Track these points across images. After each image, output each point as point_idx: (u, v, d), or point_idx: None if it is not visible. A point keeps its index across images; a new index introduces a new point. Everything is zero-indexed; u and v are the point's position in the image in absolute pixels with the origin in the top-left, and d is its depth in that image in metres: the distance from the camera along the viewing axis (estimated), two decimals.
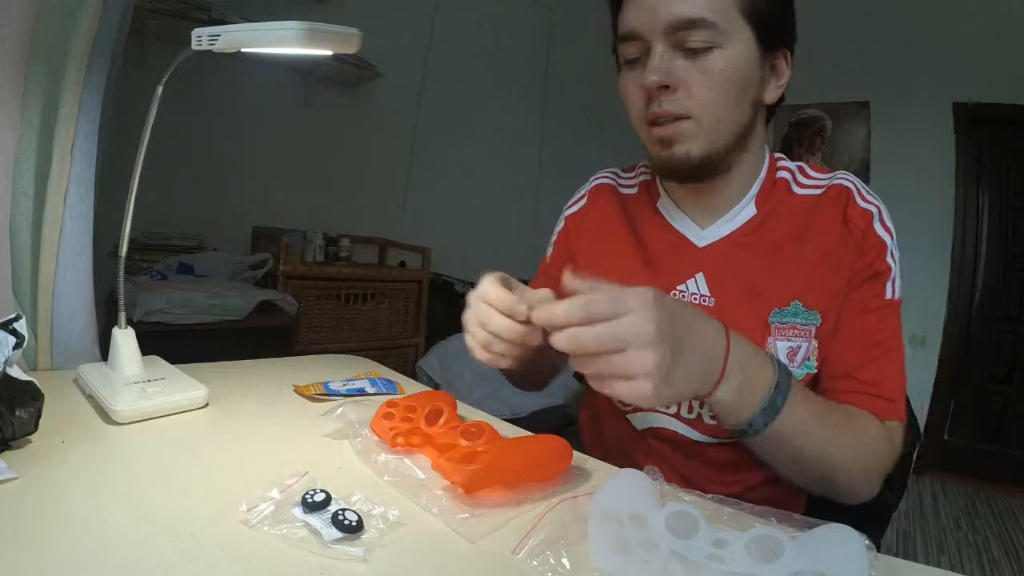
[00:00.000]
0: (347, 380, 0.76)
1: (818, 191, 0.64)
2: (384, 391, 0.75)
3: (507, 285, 0.53)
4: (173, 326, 1.40)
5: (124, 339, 0.64)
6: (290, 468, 0.48)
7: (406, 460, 0.52)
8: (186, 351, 0.77)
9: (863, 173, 2.76)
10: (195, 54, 0.59)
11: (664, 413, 0.65)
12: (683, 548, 0.38)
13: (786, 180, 0.66)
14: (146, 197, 0.66)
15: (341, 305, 2.09)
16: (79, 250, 0.72)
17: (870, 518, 0.68)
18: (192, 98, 1.95)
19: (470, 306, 0.55)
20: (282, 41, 0.57)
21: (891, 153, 2.76)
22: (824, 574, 0.34)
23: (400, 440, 0.54)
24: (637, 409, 0.67)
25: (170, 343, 0.83)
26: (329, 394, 0.71)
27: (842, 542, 0.37)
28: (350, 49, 0.59)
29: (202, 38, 0.59)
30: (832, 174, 0.65)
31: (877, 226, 0.60)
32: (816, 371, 0.61)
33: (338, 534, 0.38)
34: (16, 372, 0.49)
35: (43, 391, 0.50)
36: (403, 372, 0.95)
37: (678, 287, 0.65)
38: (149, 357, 0.69)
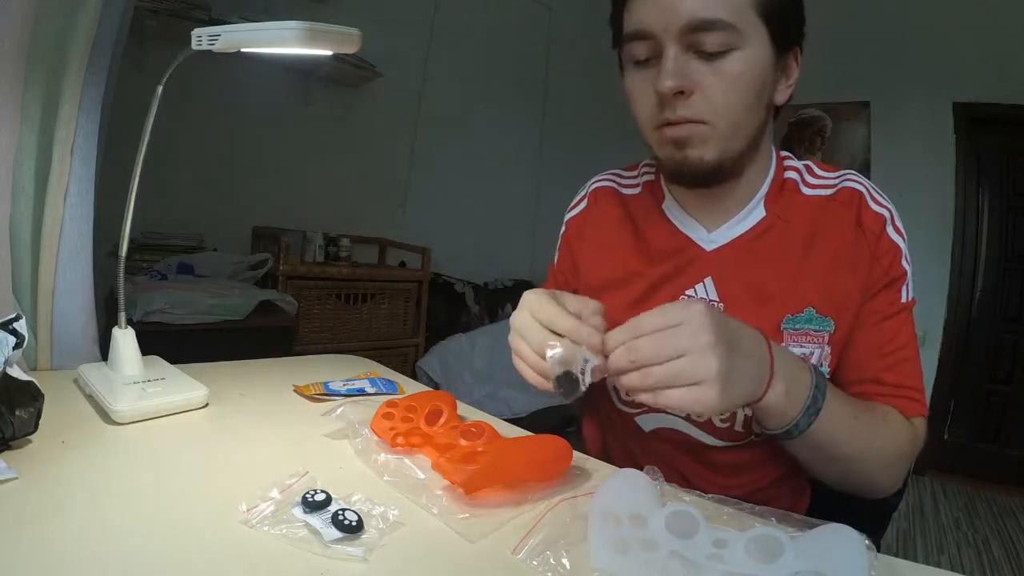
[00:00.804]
0: (347, 380, 0.76)
1: (827, 191, 0.63)
2: (384, 391, 0.75)
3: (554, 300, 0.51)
4: (173, 326, 1.40)
5: (124, 339, 0.64)
6: (290, 468, 0.48)
7: (406, 460, 0.52)
8: (186, 351, 0.77)
9: (863, 173, 2.75)
10: (195, 54, 0.59)
11: (674, 415, 0.64)
12: (683, 548, 0.38)
13: (794, 181, 0.65)
14: (146, 197, 0.66)
15: (341, 305, 2.09)
16: (79, 250, 0.72)
17: (870, 518, 0.68)
18: (192, 98, 1.95)
19: (514, 327, 0.52)
20: (282, 41, 0.57)
21: (891, 153, 2.76)
22: (824, 574, 0.34)
23: (400, 440, 0.54)
24: (648, 410, 0.66)
25: (170, 343, 0.83)
26: (329, 394, 0.70)
27: (842, 542, 0.37)
28: (350, 49, 0.59)
29: (202, 38, 0.59)
30: (840, 174, 0.64)
31: (890, 230, 0.60)
32: (829, 376, 0.61)
33: (338, 534, 0.38)
34: (16, 372, 0.49)
35: (43, 391, 0.50)
36: (403, 372, 0.95)
37: (686, 292, 0.64)
38: (149, 357, 0.69)
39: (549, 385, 0.49)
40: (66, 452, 0.49)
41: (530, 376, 0.51)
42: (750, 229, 0.63)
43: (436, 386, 2.10)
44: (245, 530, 0.39)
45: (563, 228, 0.79)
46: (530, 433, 0.58)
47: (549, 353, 0.47)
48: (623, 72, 0.61)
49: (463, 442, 0.52)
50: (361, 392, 0.73)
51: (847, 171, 0.64)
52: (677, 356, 0.42)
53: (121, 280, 0.64)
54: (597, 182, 0.77)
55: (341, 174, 2.51)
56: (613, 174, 0.77)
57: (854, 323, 0.60)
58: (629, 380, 0.44)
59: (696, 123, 0.55)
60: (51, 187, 0.68)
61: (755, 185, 0.64)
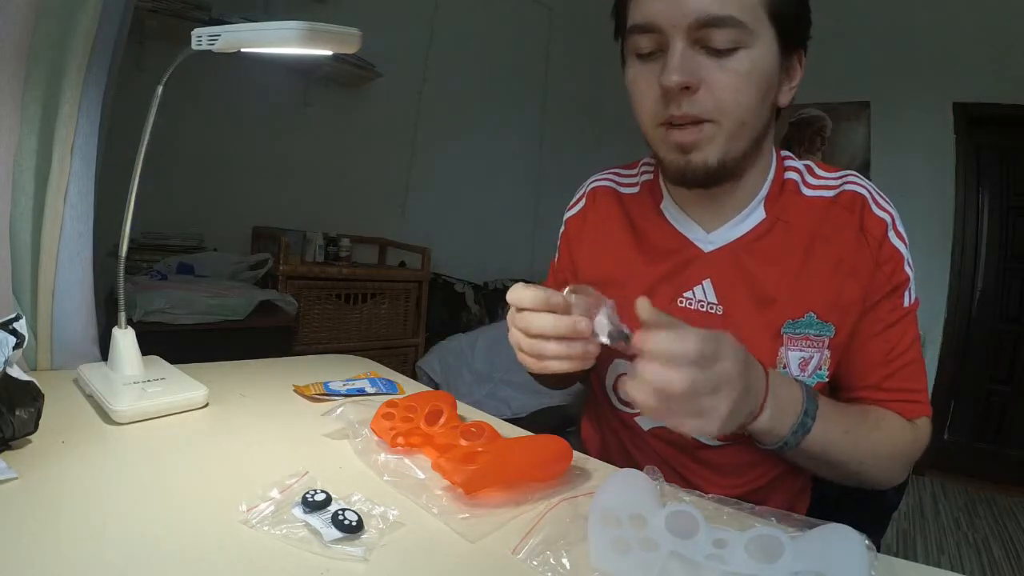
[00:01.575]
0: (347, 380, 0.76)
1: (829, 192, 0.62)
2: (384, 391, 0.75)
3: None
4: (173, 326, 1.40)
5: (124, 339, 0.64)
6: (290, 468, 0.48)
7: (406, 460, 0.52)
8: (186, 351, 0.77)
9: (863, 173, 2.75)
10: (195, 54, 0.59)
11: None
12: (683, 548, 0.38)
13: (795, 181, 0.64)
14: (146, 197, 0.66)
15: (341, 305, 2.09)
16: (79, 250, 0.72)
17: (870, 518, 0.68)
18: (192, 98, 1.95)
19: (509, 322, 0.54)
20: (282, 41, 0.57)
21: (891, 153, 2.76)
22: (824, 574, 0.34)
23: (400, 440, 0.54)
24: None
25: (170, 343, 0.83)
26: (329, 394, 0.71)
27: (842, 542, 0.37)
28: (350, 49, 0.59)
29: (202, 38, 0.59)
30: (842, 175, 0.63)
31: (892, 235, 0.59)
32: (827, 380, 0.61)
33: (338, 534, 0.38)
34: (16, 372, 0.49)
35: (43, 391, 0.50)
36: (403, 372, 0.95)
37: (684, 294, 0.64)
38: (149, 357, 0.69)
39: (554, 366, 0.51)
40: (66, 452, 0.49)
41: (530, 363, 0.53)
42: (750, 231, 0.63)
43: (436, 386, 2.10)
44: (245, 530, 0.39)
45: (563, 227, 0.79)
46: (530, 433, 0.58)
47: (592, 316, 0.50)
48: (625, 64, 0.60)
49: (463, 442, 0.52)
50: (361, 392, 0.73)
51: (848, 172, 0.64)
52: (710, 393, 0.43)
53: (121, 280, 0.64)
54: (595, 181, 0.77)
55: (341, 174, 2.51)
56: (612, 173, 0.77)
57: (855, 328, 0.60)
58: (646, 403, 0.43)
59: (701, 123, 0.54)
60: (51, 187, 0.68)
61: (755, 187, 0.63)
